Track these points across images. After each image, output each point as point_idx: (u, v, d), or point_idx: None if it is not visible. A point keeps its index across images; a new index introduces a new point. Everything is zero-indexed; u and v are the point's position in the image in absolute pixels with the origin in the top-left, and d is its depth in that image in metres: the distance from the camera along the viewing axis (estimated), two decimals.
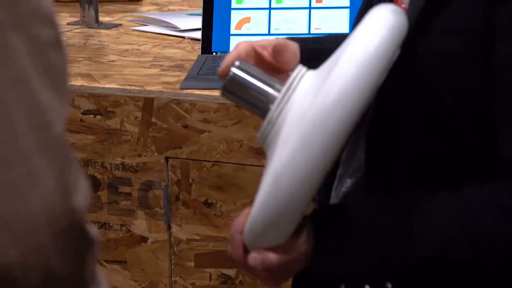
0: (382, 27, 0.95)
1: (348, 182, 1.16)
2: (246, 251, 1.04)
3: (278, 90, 1.04)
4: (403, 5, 1.09)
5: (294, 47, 1.18)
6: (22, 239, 0.70)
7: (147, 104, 1.72)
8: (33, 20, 0.71)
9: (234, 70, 1.05)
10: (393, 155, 1.07)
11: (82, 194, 0.73)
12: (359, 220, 1.03)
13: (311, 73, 1.04)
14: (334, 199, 1.18)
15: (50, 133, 0.71)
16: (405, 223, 1.01)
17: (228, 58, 1.13)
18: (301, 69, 1.04)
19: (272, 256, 1.01)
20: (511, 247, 0.98)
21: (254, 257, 1.02)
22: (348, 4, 1.84)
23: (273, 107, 1.02)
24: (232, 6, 1.90)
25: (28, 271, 0.70)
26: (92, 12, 2.30)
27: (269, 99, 1.03)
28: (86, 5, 2.30)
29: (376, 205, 1.05)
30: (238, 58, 1.11)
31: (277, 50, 1.15)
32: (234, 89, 1.05)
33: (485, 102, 1.01)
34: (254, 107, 1.05)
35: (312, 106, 0.94)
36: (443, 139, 1.04)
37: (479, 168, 1.03)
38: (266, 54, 1.15)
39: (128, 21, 2.37)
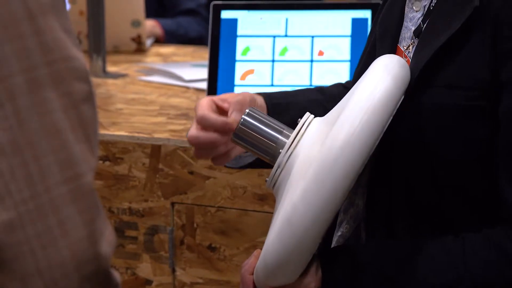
0: (387, 74, 1.00)
1: (347, 228, 1.20)
2: None
3: (287, 136, 1.08)
4: (405, 59, 1.14)
5: (260, 101, 1.21)
6: (52, 285, 0.73)
7: (155, 151, 1.78)
8: (69, 77, 0.76)
9: (245, 117, 1.10)
10: (395, 203, 1.11)
11: (107, 241, 0.77)
12: (365, 261, 1.06)
13: (318, 120, 1.09)
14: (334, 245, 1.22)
15: (81, 184, 0.75)
16: (410, 265, 1.04)
17: (197, 118, 1.15)
18: (309, 116, 1.10)
19: None
20: None
21: None
22: (349, 58, 1.91)
23: (282, 152, 1.07)
24: (237, 58, 1.97)
25: None
26: (100, 62, 2.37)
27: (279, 144, 1.08)
28: (94, 56, 2.37)
29: (382, 247, 1.08)
30: (203, 114, 1.13)
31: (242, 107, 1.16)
32: (244, 135, 1.10)
33: (490, 153, 1.05)
34: (264, 152, 1.10)
35: (321, 151, 0.99)
36: (448, 189, 1.07)
37: (482, 217, 1.07)
38: (227, 106, 1.16)
39: (134, 71, 2.44)
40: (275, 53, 1.96)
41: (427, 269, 1.04)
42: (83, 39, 2.66)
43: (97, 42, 2.37)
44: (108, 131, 1.83)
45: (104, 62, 2.38)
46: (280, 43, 1.96)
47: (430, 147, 1.07)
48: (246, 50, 1.97)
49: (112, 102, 2.10)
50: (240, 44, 1.97)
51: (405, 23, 1.15)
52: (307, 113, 1.10)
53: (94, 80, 2.34)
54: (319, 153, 0.99)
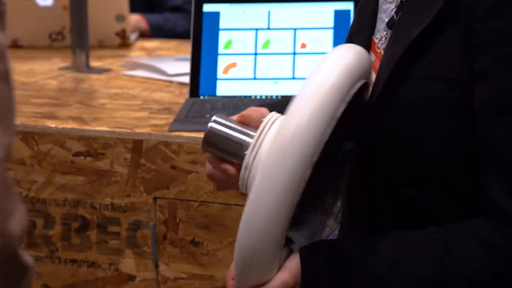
0: (336, 62, 0.99)
1: (333, 226, 1.19)
2: None
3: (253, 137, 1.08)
4: (378, 50, 1.14)
5: (266, 112, 1.18)
6: None
7: (136, 146, 1.77)
8: None
9: (212, 124, 1.10)
10: (379, 198, 1.10)
11: (17, 220, 0.76)
12: (347, 254, 1.05)
13: (282, 118, 1.08)
14: None
15: None
16: (392, 259, 1.03)
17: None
18: (273, 114, 1.09)
19: None
20: (496, 285, 1.01)
21: None
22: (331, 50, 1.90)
23: (247, 153, 1.06)
24: (219, 52, 1.96)
25: None
26: (83, 58, 2.36)
27: (245, 146, 1.07)
28: (77, 51, 2.36)
29: (364, 240, 1.08)
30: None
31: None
32: (213, 141, 1.10)
33: (467, 145, 1.04)
34: (234, 156, 1.09)
35: (271, 147, 0.98)
36: (430, 183, 1.07)
37: (468, 211, 1.06)
38: None
39: (118, 66, 2.43)
40: (257, 46, 1.95)
41: (409, 262, 1.03)
42: (66, 34, 2.65)
43: (80, 37, 2.35)
44: (90, 127, 1.82)
45: (87, 57, 2.37)
46: (263, 36, 1.96)
47: (410, 141, 1.06)
48: (228, 44, 1.96)
49: (95, 97, 2.09)
50: (223, 37, 1.96)
51: (379, 15, 1.15)
52: (272, 112, 1.09)
53: (78, 75, 2.33)
54: (269, 150, 0.98)
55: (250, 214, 0.98)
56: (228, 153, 1.09)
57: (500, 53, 1.00)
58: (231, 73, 1.95)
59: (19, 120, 1.87)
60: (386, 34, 1.12)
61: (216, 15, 1.97)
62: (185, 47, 2.59)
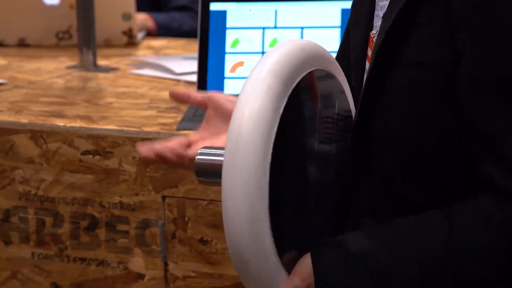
0: (269, 63, 1.00)
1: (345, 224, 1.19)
2: None
3: None
4: (373, 44, 1.14)
5: None
6: None
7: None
8: None
9: (197, 157, 1.14)
10: (377, 196, 1.10)
11: None
12: (355, 250, 1.04)
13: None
14: None
15: None
16: (393, 248, 1.03)
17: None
18: None
19: None
20: (501, 265, 1.00)
21: None
22: (337, 49, 1.91)
23: None
24: (226, 50, 1.96)
25: None
26: (90, 56, 2.36)
27: None
28: (84, 49, 2.37)
29: (367, 231, 1.07)
30: None
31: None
32: (202, 172, 1.14)
33: (458, 130, 1.03)
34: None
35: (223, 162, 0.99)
36: (427, 180, 1.06)
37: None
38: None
39: (125, 64, 2.44)
40: (264, 45, 1.96)
41: (411, 249, 1.02)
42: (73, 33, 2.66)
43: (87, 36, 2.36)
44: (98, 125, 1.83)
45: (94, 56, 2.37)
46: (270, 34, 1.96)
47: (402, 131, 1.06)
48: (235, 42, 1.97)
49: (103, 96, 2.10)
50: (230, 36, 1.97)
51: (376, 12, 1.15)
52: None
53: (85, 74, 2.34)
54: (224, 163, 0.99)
55: (226, 227, 0.98)
56: (218, 178, 1.11)
57: (481, 34, 0.99)
58: (239, 71, 1.95)
59: (27, 119, 1.88)
60: None
61: (223, 14, 1.98)
62: (193, 46, 2.60)
